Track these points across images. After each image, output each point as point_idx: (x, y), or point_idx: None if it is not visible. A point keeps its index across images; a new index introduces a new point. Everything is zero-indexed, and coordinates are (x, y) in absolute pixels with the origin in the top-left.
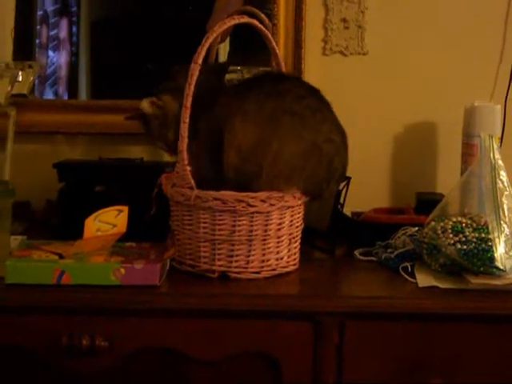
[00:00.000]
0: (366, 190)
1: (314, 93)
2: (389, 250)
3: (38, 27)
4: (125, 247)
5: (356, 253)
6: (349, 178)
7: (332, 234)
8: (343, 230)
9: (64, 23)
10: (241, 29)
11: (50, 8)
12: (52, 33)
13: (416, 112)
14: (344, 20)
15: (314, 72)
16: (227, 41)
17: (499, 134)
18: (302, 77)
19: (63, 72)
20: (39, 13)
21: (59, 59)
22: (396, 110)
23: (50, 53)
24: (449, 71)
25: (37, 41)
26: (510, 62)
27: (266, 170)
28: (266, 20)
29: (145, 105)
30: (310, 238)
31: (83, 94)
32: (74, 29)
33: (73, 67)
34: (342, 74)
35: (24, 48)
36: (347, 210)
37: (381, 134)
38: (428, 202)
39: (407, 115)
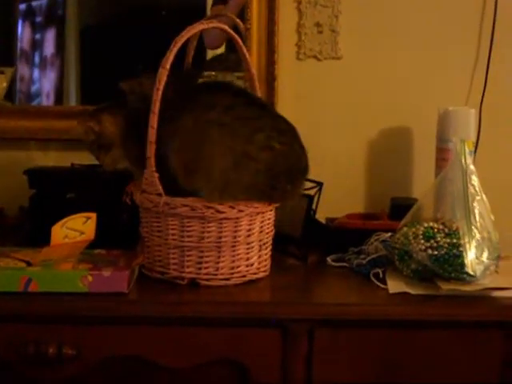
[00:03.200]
0: (341, 196)
1: (250, 101)
2: (361, 256)
3: (20, 42)
4: (94, 254)
5: (328, 259)
6: (321, 184)
7: (305, 240)
8: (316, 237)
9: (50, 37)
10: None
11: (37, 18)
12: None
13: (391, 117)
14: (317, 24)
15: (288, 77)
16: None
17: (474, 139)
18: (276, 82)
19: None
20: (22, 24)
21: (46, 79)
22: (370, 115)
23: (35, 71)
24: (424, 76)
25: (18, 54)
26: (485, 67)
27: (203, 187)
28: (241, 25)
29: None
30: (283, 244)
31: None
32: (58, 40)
33: (61, 81)
34: (316, 78)
35: (5, 56)
36: (321, 216)
37: (355, 138)
38: (402, 207)
39: (382, 120)
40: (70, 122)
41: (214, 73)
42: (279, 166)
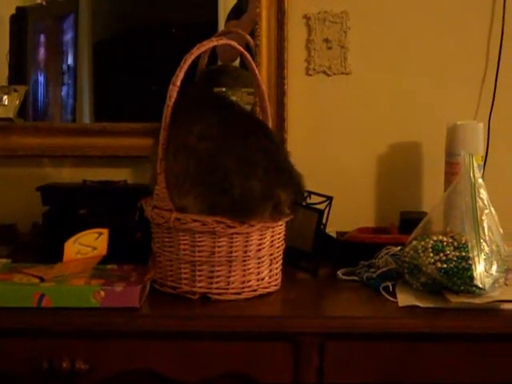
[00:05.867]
0: (352, 210)
1: (188, 99)
2: (371, 270)
3: (33, 60)
4: (106, 270)
5: (339, 273)
6: (331, 198)
7: (315, 254)
8: (326, 250)
9: (63, 55)
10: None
11: (50, 37)
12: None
13: (400, 131)
14: (327, 40)
15: (298, 92)
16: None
17: (482, 153)
18: (286, 98)
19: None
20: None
21: (60, 97)
22: (380, 130)
23: (49, 88)
24: (432, 90)
25: (31, 72)
26: (493, 81)
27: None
28: (251, 41)
29: None
30: (294, 258)
31: (86, 118)
32: (70, 59)
33: (74, 93)
34: (326, 93)
35: (19, 72)
36: (332, 230)
37: (365, 153)
38: (412, 221)
39: (391, 135)
40: (83, 139)
41: (224, 89)
42: (222, 156)
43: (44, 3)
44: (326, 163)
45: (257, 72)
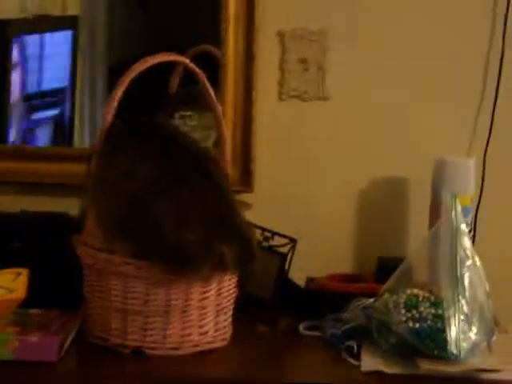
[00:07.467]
0: (326, 254)
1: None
2: (338, 325)
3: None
4: (27, 315)
5: (300, 327)
6: (294, 241)
7: (275, 303)
8: (289, 299)
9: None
10: None
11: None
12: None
13: (384, 166)
14: (303, 60)
15: (268, 119)
16: None
17: (473, 193)
18: (253, 124)
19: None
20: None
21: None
22: (361, 163)
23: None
24: (421, 121)
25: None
26: (490, 113)
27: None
28: (217, 53)
29: None
30: (252, 307)
31: None
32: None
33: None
34: (300, 121)
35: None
36: (302, 276)
37: (343, 189)
38: (391, 268)
39: (373, 169)
40: (27, 164)
41: (188, 113)
42: (148, 199)
43: (31, 17)
44: (298, 199)
45: (211, 92)
